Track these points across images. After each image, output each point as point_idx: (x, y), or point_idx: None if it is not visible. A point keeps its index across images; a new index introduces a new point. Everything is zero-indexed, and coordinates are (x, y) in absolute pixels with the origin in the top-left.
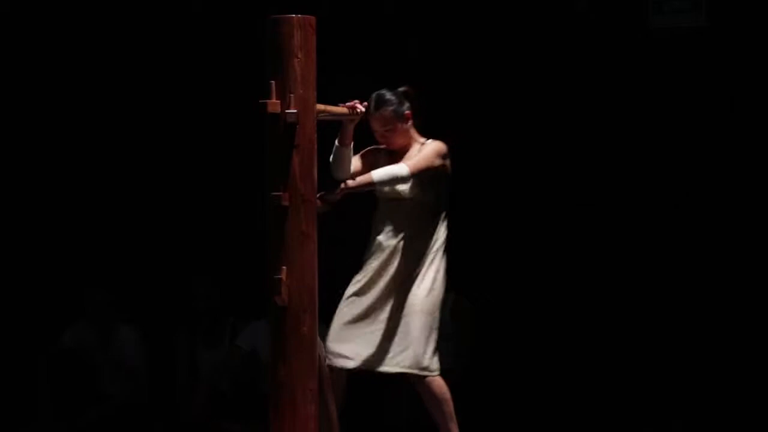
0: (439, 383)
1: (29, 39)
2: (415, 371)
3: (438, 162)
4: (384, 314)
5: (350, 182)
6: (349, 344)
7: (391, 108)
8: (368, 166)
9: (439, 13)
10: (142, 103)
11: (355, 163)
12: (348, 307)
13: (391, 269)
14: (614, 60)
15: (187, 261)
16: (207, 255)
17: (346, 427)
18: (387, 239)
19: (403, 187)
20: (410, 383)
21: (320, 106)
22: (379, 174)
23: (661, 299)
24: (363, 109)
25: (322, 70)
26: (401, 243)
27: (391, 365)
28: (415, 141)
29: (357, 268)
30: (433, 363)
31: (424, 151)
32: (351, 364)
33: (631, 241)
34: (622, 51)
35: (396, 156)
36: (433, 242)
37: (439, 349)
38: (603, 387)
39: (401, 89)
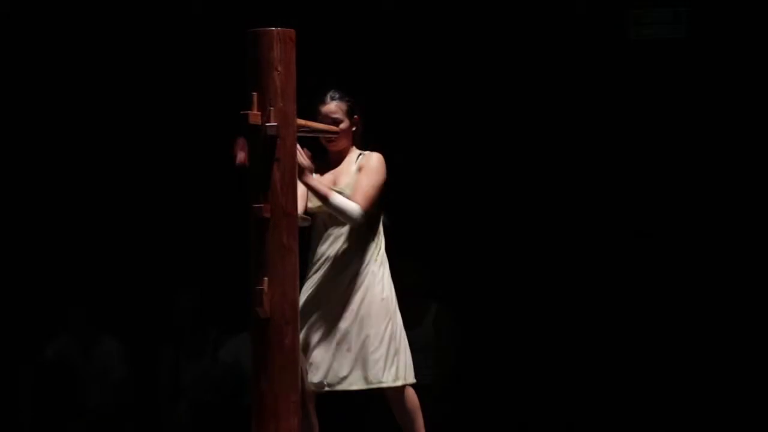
0: (410, 394)
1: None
2: (379, 385)
3: (382, 179)
4: (339, 326)
5: (311, 181)
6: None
7: (347, 103)
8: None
9: (434, 17)
10: (123, 117)
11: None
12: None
13: (335, 283)
14: (595, 71)
15: (170, 273)
16: (189, 267)
17: None
18: (327, 250)
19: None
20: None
21: (301, 121)
22: (336, 200)
23: (646, 306)
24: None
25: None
26: (342, 254)
27: (354, 382)
28: (353, 151)
29: None
30: (397, 374)
31: (369, 177)
32: (317, 377)
33: (613, 250)
34: (603, 62)
35: (330, 166)
36: (373, 250)
37: (416, 360)
38: (589, 398)
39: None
